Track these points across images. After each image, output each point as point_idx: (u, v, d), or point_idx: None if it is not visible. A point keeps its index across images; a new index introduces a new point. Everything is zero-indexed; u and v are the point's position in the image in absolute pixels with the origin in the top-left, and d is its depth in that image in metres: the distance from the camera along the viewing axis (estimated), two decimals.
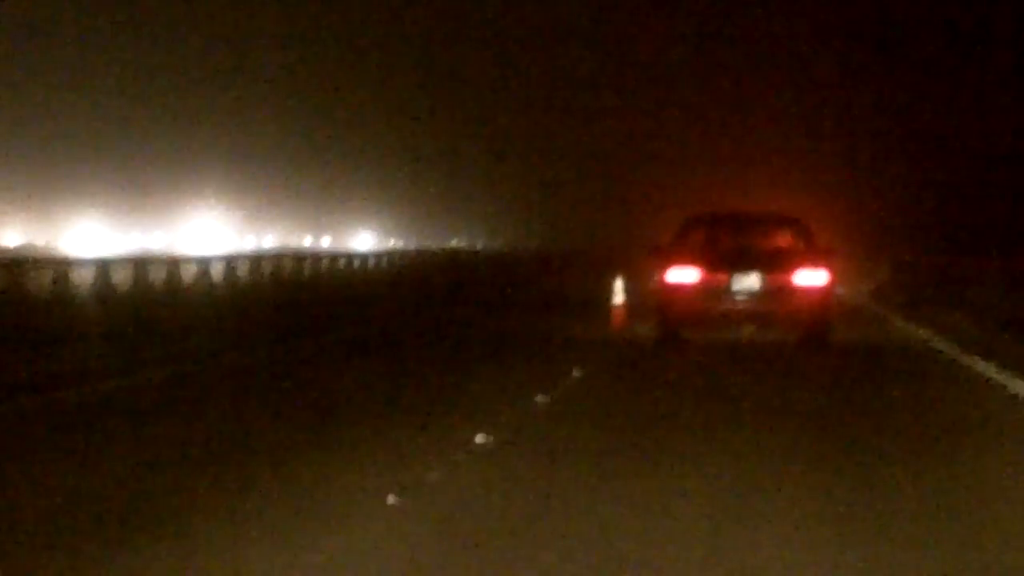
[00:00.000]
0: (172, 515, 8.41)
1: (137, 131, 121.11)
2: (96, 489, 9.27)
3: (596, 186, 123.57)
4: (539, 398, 14.05)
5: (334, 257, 53.32)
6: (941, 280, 32.25)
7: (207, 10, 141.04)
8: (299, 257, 49.57)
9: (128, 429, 12.23)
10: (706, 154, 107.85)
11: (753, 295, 21.17)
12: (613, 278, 25.57)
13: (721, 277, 21.25)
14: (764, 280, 21.13)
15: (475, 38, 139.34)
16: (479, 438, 11.16)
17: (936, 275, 33.53)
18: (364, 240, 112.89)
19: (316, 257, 52.07)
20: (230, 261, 40.00)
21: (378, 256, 59.34)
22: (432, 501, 9.01)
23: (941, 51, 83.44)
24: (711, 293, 21.23)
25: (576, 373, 16.88)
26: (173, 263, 36.33)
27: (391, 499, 8.81)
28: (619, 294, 25.19)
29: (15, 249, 74.47)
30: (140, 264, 34.49)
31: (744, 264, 21.38)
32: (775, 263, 21.40)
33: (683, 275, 21.36)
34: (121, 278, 32.80)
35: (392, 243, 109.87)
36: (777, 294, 21.10)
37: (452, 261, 64.27)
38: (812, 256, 21.58)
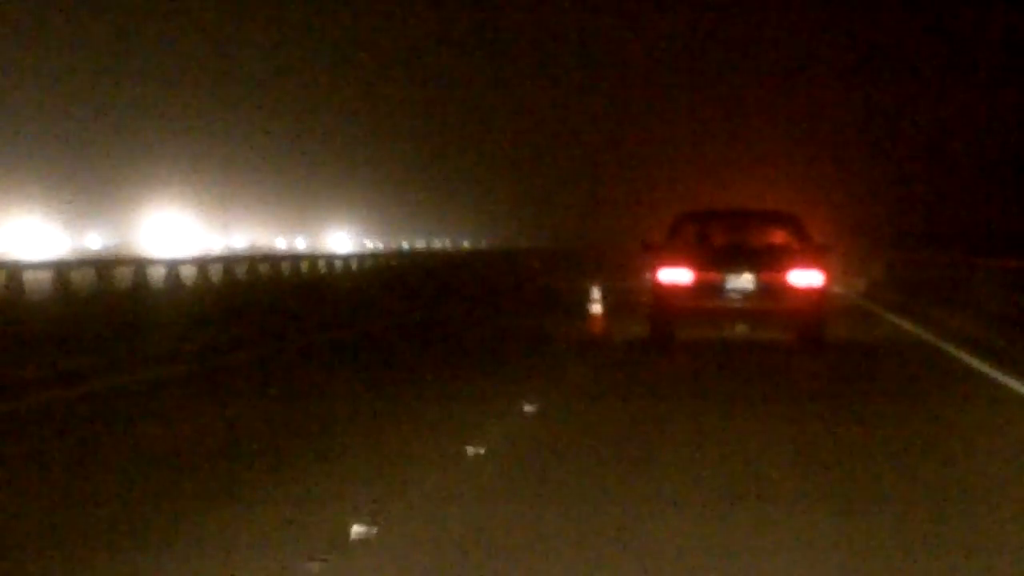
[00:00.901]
0: (146, 523, 8.33)
1: (101, 127, 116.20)
2: (79, 486, 9.18)
3: (585, 185, 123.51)
4: (527, 407, 13.84)
5: (314, 260, 48.69)
6: (935, 278, 32.22)
7: (178, 6, 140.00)
8: (276, 261, 45.17)
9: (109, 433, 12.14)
10: (698, 153, 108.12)
11: (747, 294, 21.06)
12: (593, 283, 24.82)
13: (715, 276, 21.14)
14: (758, 279, 21.02)
15: (459, 37, 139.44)
16: (469, 450, 11.04)
17: (930, 273, 33.50)
18: (340, 241, 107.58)
19: (295, 260, 47.29)
20: (201, 264, 38.03)
21: (361, 257, 56.19)
22: (422, 511, 8.93)
23: (935, 49, 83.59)
24: (704, 292, 21.12)
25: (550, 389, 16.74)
26: (139, 265, 35.02)
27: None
28: (596, 303, 24.15)
29: None
30: (103, 266, 33.54)
31: (738, 263, 21.27)
32: (769, 262, 21.29)
33: (676, 274, 21.25)
34: (80, 281, 31.91)
35: (369, 244, 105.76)
36: (771, 293, 21.00)
37: (437, 262, 62.59)
38: (806, 254, 21.46)
